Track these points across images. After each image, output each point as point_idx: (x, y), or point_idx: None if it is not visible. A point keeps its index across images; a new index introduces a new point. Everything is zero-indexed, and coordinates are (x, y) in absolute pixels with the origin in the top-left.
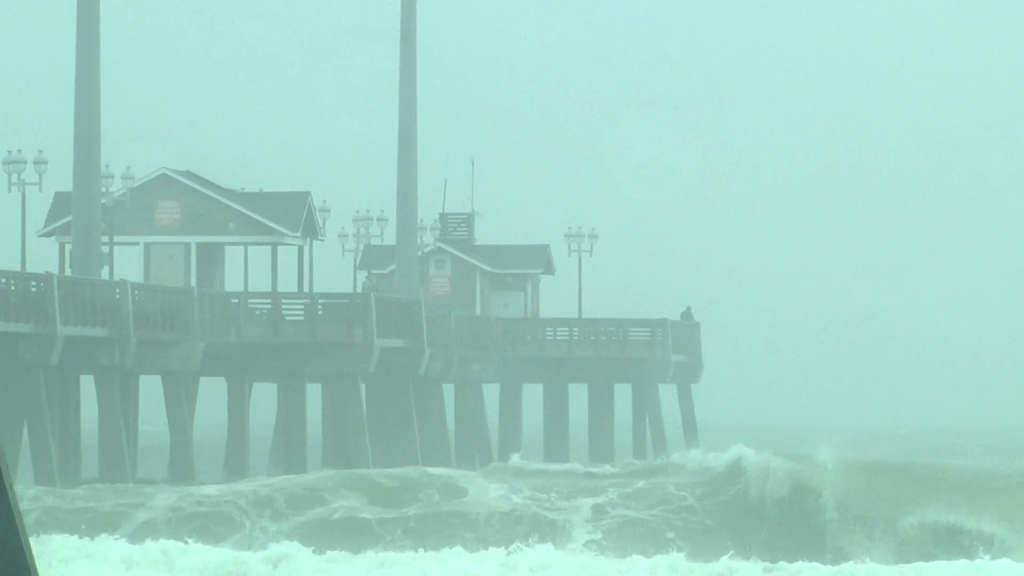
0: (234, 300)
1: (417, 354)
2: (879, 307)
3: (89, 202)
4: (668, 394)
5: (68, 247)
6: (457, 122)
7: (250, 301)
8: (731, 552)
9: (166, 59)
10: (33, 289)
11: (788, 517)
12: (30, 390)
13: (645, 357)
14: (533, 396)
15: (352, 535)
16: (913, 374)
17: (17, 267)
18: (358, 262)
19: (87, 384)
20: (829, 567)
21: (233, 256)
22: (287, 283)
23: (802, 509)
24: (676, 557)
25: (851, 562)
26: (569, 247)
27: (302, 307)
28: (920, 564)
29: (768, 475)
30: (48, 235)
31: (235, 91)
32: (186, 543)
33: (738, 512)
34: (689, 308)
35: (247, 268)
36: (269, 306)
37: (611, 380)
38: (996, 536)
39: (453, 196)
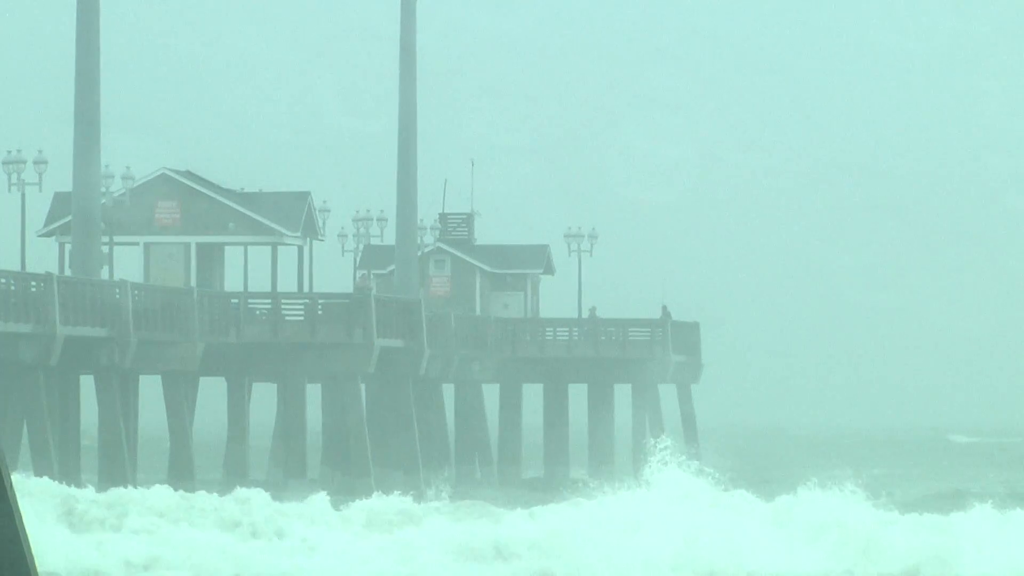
0: (234, 300)
1: (417, 354)
2: (879, 307)
3: (89, 202)
4: (668, 394)
5: (68, 247)
6: (457, 122)
7: (250, 301)
8: None
9: (166, 59)
10: (33, 289)
11: None
12: (30, 390)
13: (645, 357)
14: (533, 396)
15: None
16: (913, 374)
17: (17, 267)
18: (358, 262)
19: (87, 384)
20: None
21: (233, 256)
22: (287, 283)
23: None
24: None
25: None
26: (569, 247)
27: (302, 307)
28: None
29: None
30: (48, 235)
31: (235, 91)
32: None
33: None
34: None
35: (247, 268)
36: (269, 306)
37: (611, 380)
38: None
39: (453, 196)
